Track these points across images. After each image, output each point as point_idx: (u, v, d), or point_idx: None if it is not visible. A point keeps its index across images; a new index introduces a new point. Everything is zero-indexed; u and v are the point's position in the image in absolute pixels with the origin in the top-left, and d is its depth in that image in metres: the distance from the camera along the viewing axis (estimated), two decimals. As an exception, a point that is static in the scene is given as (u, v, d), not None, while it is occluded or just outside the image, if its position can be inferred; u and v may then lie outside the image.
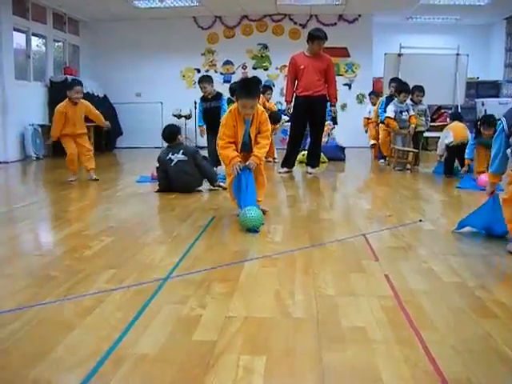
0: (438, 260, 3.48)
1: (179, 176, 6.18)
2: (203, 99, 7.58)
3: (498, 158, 3.80)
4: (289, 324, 2.44)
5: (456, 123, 7.91)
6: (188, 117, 13.05)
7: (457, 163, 7.88)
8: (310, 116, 7.93)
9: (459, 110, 12.13)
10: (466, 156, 7.41)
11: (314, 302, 2.71)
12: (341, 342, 2.26)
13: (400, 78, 10.99)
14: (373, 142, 10.20)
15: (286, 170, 8.08)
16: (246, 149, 4.79)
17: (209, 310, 2.60)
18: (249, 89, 4.57)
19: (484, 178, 6.77)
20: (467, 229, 4.26)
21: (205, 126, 7.66)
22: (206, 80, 7.52)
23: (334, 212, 5.27)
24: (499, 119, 3.79)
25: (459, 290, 2.91)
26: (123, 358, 2.11)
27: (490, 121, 6.98)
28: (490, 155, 6.75)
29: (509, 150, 3.68)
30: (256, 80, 4.82)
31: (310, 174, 7.98)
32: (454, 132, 7.66)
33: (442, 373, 1.99)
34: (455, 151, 7.66)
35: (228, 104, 7.32)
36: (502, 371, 2.03)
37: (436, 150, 8.38)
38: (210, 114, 7.46)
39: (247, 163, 4.63)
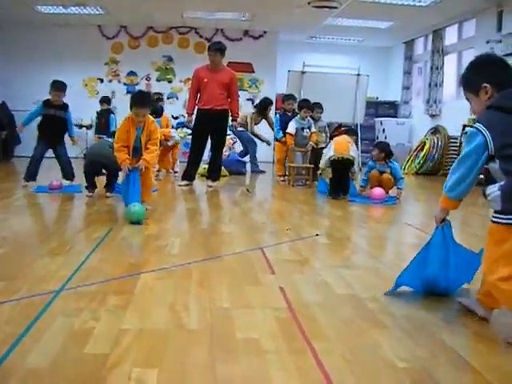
0: (332, 273, 3.55)
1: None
2: (47, 104, 7.40)
3: (468, 180, 2.63)
4: (183, 336, 2.42)
5: (342, 137, 7.64)
6: (89, 127, 12.80)
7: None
8: (211, 129, 7.94)
9: (359, 128, 12.53)
10: (360, 184, 7.62)
11: (208, 314, 2.70)
12: (234, 353, 2.26)
13: (302, 95, 11.28)
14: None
15: (186, 182, 8.05)
16: (137, 153, 5.47)
17: (102, 322, 2.54)
18: (142, 100, 5.37)
19: (377, 191, 7.01)
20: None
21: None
22: (61, 88, 7.42)
23: (233, 225, 5.29)
24: (477, 129, 2.51)
25: (351, 301, 2.99)
26: (11, 373, 2.02)
27: (379, 145, 7.60)
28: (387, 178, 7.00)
29: (497, 192, 2.43)
30: (148, 93, 6.12)
31: (211, 187, 7.99)
32: (336, 145, 7.38)
33: (331, 381, 2.03)
34: (338, 168, 7.30)
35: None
36: (389, 378, 2.09)
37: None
38: (51, 123, 7.37)
39: (136, 165, 5.32)
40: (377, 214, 6.48)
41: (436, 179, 11.11)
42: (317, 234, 4.75)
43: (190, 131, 12.82)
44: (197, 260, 3.75)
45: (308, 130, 8.78)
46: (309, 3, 10.30)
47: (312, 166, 8.73)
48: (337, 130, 12.57)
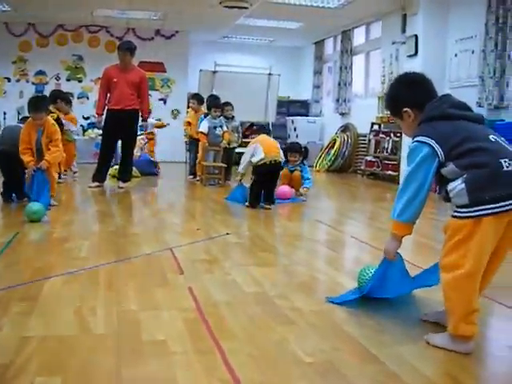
0: (241, 271, 3.57)
1: None
2: None
3: (420, 197, 2.45)
4: (89, 341, 2.38)
5: (264, 137, 6.78)
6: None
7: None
8: (121, 130, 7.82)
9: (271, 127, 12.64)
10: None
11: (115, 317, 2.66)
12: (141, 356, 2.24)
13: (214, 94, 11.26)
14: None
15: (96, 184, 7.88)
16: (39, 154, 5.74)
17: (4, 331, 2.45)
18: (36, 105, 5.68)
19: (284, 189, 7.07)
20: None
21: None
22: None
23: (143, 227, 5.24)
24: (418, 141, 2.45)
25: (259, 299, 3.01)
26: None
27: (295, 147, 7.62)
28: (298, 175, 7.07)
29: (461, 185, 2.32)
30: (42, 97, 6.53)
31: (122, 188, 7.87)
32: (265, 147, 6.37)
33: (238, 379, 2.04)
34: (265, 174, 6.39)
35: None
36: (295, 373, 2.12)
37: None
38: None
39: (39, 165, 5.61)
40: (288, 211, 6.56)
41: (346, 176, 11.38)
42: (227, 233, 4.77)
43: (100, 132, 12.70)
44: (105, 263, 3.68)
45: (220, 129, 8.77)
46: (220, 3, 10.29)
47: (225, 165, 8.74)
48: (250, 129, 12.72)
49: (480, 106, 8.01)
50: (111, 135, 7.89)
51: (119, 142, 8.09)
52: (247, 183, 6.71)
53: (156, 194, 8.10)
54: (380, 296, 2.92)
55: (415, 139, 2.46)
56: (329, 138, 12.90)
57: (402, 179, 2.54)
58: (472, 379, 2.12)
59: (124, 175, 8.06)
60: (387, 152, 10.46)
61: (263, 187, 6.43)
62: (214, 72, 12.64)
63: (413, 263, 3.39)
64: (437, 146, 2.38)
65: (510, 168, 2.30)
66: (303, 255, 4.27)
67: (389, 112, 2.79)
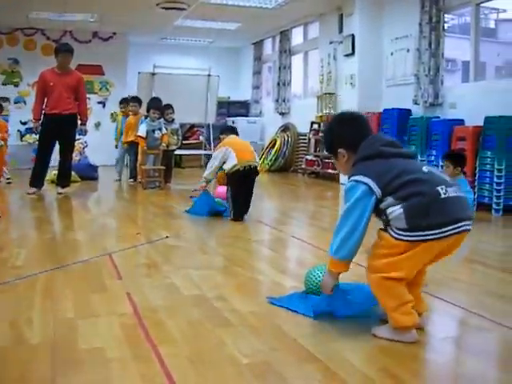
0: (180, 274, 3.56)
1: None
2: None
3: (357, 234, 2.46)
4: (23, 352, 2.33)
5: (234, 138, 6.05)
6: None
7: None
8: (58, 135, 7.65)
9: (211, 128, 12.63)
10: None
11: (51, 326, 2.62)
12: (77, 364, 2.21)
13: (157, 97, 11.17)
14: None
15: (34, 190, 7.69)
16: None
17: None
18: None
19: (220, 189, 7.04)
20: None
21: None
22: None
23: (82, 232, 5.16)
24: (354, 181, 2.49)
25: (198, 302, 3.01)
26: None
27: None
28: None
29: (400, 209, 2.39)
30: None
31: (61, 194, 7.71)
32: (238, 151, 5.65)
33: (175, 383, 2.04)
34: (241, 182, 5.69)
35: None
36: (233, 374, 2.13)
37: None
38: None
39: None
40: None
41: (287, 175, 11.46)
42: (167, 237, 4.74)
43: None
44: (42, 271, 3.61)
45: (159, 132, 8.70)
46: (157, 5, 10.22)
47: (164, 167, 8.69)
48: (190, 130, 12.69)
49: (416, 103, 8.19)
50: (48, 140, 7.71)
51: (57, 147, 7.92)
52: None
53: (96, 198, 7.99)
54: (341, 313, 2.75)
55: (351, 178, 2.51)
56: (269, 138, 12.95)
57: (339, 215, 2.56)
58: (407, 373, 2.16)
59: (63, 181, 7.90)
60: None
61: (240, 199, 5.73)
62: (153, 74, 12.54)
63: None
64: (373, 184, 2.43)
65: (446, 195, 2.40)
66: (243, 256, 4.28)
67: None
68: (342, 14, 9.97)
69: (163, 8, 10.34)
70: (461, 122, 7.32)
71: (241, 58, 15.42)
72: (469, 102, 7.46)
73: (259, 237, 5.00)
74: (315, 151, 11.07)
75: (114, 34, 13.43)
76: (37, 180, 7.78)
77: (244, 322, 2.70)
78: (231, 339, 2.47)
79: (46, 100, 7.64)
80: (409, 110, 8.36)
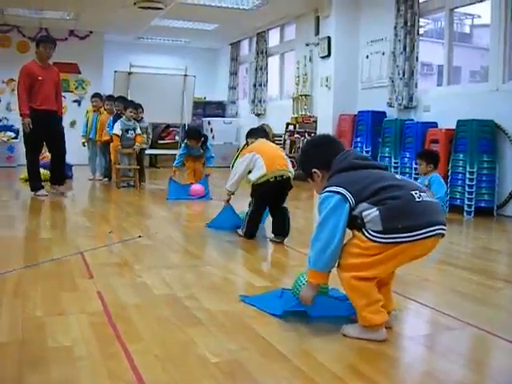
0: (151, 273, 3.56)
1: None
2: None
3: (331, 248, 2.46)
4: (-10, 351, 2.32)
5: (263, 143, 5.00)
6: None
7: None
8: (49, 132, 7.33)
9: (187, 129, 12.56)
10: (173, 163, 7.57)
11: (20, 324, 2.60)
12: (45, 363, 2.19)
13: (130, 96, 11.14)
14: None
15: (43, 192, 7.40)
16: None
17: None
18: None
19: (196, 186, 7.15)
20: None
21: None
22: None
23: (54, 231, 5.13)
24: (328, 191, 2.51)
25: (169, 301, 3.01)
26: None
27: (193, 132, 7.76)
28: (199, 168, 7.07)
29: (376, 212, 2.40)
30: None
31: (63, 193, 7.49)
32: (267, 158, 4.64)
33: (143, 382, 2.04)
34: (271, 194, 4.73)
35: None
36: (201, 373, 2.13)
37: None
38: None
39: None
40: (201, 211, 6.59)
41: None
42: (139, 236, 4.73)
43: (13, 134, 12.34)
44: (12, 269, 3.58)
45: (133, 132, 8.66)
46: (134, 4, 10.18)
47: (138, 167, 8.67)
48: (165, 130, 12.66)
49: (390, 106, 8.25)
50: (38, 137, 7.33)
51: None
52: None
53: (69, 197, 7.90)
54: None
55: (325, 190, 2.54)
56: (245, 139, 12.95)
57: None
58: (375, 371, 2.18)
59: (59, 178, 7.65)
60: (302, 152, 10.58)
61: (261, 217, 4.90)
62: (130, 73, 12.49)
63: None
64: (346, 192, 2.44)
65: (421, 199, 2.44)
66: (215, 256, 4.30)
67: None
68: (318, 16, 10.02)
69: (140, 7, 10.30)
70: (434, 124, 7.40)
71: (217, 59, 15.42)
72: (442, 106, 7.55)
73: (232, 237, 5.01)
74: (290, 152, 11.09)
75: (91, 32, 13.38)
76: (39, 181, 7.50)
77: (214, 321, 2.71)
78: (201, 338, 2.47)
79: (31, 95, 7.20)
80: (383, 113, 8.42)
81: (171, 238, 4.55)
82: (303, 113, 10.72)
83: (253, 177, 4.66)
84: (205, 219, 5.58)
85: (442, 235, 2.47)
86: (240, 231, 4.87)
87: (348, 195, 2.44)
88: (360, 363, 2.26)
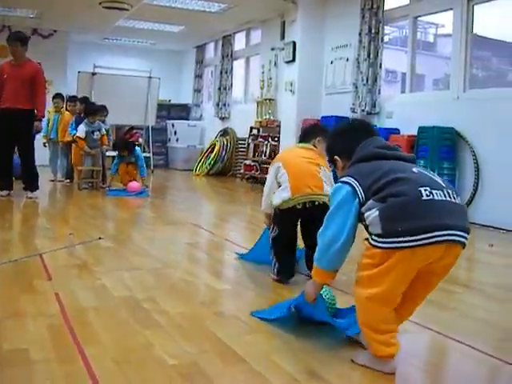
0: (111, 276, 3.54)
1: None
2: None
3: (336, 246, 2.26)
4: None
5: (295, 151, 3.81)
6: None
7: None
8: (15, 132, 7.04)
9: (150, 131, 12.52)
10: (110, 171, 8.42)
11: (-26, 326, 2.57)
12: (0, 366, 2.17)
13: (93, 97, 11.03)
14: None
15: (6, 192, 7.20)
16: None
17: None
18: None
19: (133, 184, 7.64)
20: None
21: None
22: None
23: (13, 232, 5.07)
24: (341, 182, 2.32)
25: (127, 303, 3.00)
26: None
27: (120, 144, 8.49)
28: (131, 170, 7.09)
29: (375, 212, 2.14)
30: None
31: (31, 198, 7.19)
32: (293, 176, 3.51)
33: (99, 385, 2.03)
34: (296, 223, 3.68)
35: None
36: (159, 376, 2.13)
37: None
38: None
39: None
40: (164, 214, 6.56)
41: (226, 180, 11.48)
42: (100, 238, 4.69)
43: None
44: (-32, 270, 3.54)
45: (98, 133, 8.61)
46: (100, 4, 10.12)
47: (100, 168, 8.61)
48: (129, 132, 12.55)
49: (353, 111, 8.32)
50: (5, 138, 7.05)
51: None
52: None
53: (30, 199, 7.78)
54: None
55: (340, 180, 2.34)
56: (209, 142, 12.98)
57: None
58: (333, 374, 2.19)
59: (31, 184, 7.29)
60: (265, 156, 10.63)
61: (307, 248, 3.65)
62: (93, 74, 12.36)
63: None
64: (357, 185, 2.22)
65: (430, 197, 2.11)
66: (176, 259, 4.28)
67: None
68: (284, 21, 10.07)
69: (105, 7, 10.24)
70: (396, 131, 7.49)
71: (183, 61, 15.40)
72: (405, 112, 7.65)
73: (193, 239, 4.99)
74: (254, 156, 11.13)
75: (55, 31, 13.23)
76: (5, 181, 7.23)
77: (173, 323, 2.70)
78: (159, 340, 2.46)
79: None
80: (347, 118, 8.49)
81: (132, 241, 4.52)
82: (267, 117, 10.76)
83: (275, 200, 3.57)
84: (167, 222, 5.57)
85: (461, 243, 2.13)
86: (272, 275, 3.64)
87: (358, 189, 2.22)
88: (318, 366, 2.27)
